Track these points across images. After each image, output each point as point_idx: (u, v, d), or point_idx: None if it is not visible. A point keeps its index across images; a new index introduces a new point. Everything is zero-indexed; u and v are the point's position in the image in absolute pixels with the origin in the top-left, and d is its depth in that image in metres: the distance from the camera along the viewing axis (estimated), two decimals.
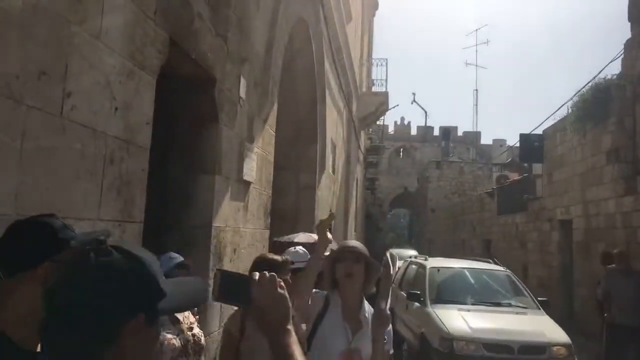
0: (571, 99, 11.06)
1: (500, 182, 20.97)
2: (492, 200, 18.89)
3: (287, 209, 8.33)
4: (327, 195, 9.97)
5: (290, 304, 1.18)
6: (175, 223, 3.56)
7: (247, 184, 4.37)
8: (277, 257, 2.97)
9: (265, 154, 5.02)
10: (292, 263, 3.52)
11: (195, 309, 3.10)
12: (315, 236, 5.23)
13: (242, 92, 4.06)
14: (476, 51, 51.30)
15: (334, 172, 11.05)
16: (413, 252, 22.89)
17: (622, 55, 10.09)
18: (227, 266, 3.93)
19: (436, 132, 43.41)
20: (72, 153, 1.94)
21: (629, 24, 9.98)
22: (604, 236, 9.82)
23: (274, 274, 1.18)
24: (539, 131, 13.74)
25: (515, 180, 18.14)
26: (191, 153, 3.55)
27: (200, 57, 3.19)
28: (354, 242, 2.47)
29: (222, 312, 3.65)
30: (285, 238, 5.17)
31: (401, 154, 43.10)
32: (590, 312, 9.21)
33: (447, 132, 41.48)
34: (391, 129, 43.50)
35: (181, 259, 2.86)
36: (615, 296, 7.09)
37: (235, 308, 3.15)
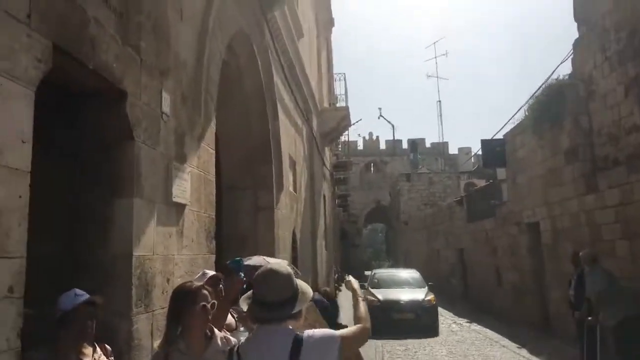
0: (527, 102, 11.10)
1: (468, 189, 21.00)
2: (462, 209, 18.85)
3: (245, 230, 7.97)
4: (289, 214, 9.64)
5: None
6: (91, 256, 3.18)
7: (181, 206, 4.02)
8: (192, 285, 2.64)
9: (204, 174, 4.68)
10: (217, 286, 3.20)
11: (109, 349, 2.73)
12: (270, 259, 4.91)
13: (166, 107, 3.74)
14: (436, 63, 52.68)
15: (295, 190, 10.75)
16: (411, 274, 15.19)
17: (572, 56, 10.17)
18: (159, 298, 3.56)
19: (405, 145, 43.70)
20: None
21: (575, 24, 10.08)
22: (570, 236, 9.74)
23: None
24: (500, 136, 13.79)
25: (482, 186, 18.18)
26: (104, 175, 3.19)
27: (102, 67, 2.86)
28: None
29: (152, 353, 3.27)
30: (245, 259, 4.83)
31: (372, 168, 43.20)
32: (565, 315, 9.06)
33: (415, 144, 41.84)
34: (360, 145, 43.62)
35: (87, 295, 2.51)
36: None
37: (157, 347, 2.81)
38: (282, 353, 1.97)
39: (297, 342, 2.00)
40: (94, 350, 2.63)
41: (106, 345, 2.73)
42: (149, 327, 3.43)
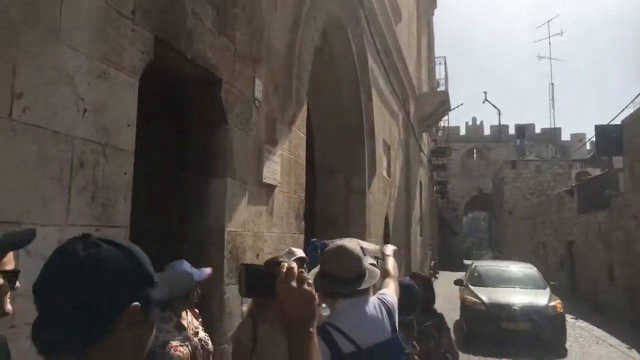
0: None
1: (580, 179, 19.47)
2: (572, 199, 17.57)
3: (338, 213, 8.14)
4: (381, 199, 9.67)
5: (316, 305, 1.10)
6: (191, 229, 3.49)
7: (271, 187, 4.24)
8: (285, 261, 2.82)
9: (295, 157, 4.87)
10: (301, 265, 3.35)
11: (197, 311, 3.01)
12: (362, 242, 5.02)
13: (258, 94, 3.95)
14: (549, 43, 48.03)
15: (389, 175, 10.72)
16: (525, 270, 11.51)
17: None
18: None
19: (512, 131, 41.41)
20: (27, 156, 1.88)
21: None
22: None
23: (302, 269, 1.13)
24: (618, 121, 12.63)
25: (595, 176, 16.77)
26: (202, 156, 3.47)
27: (199, 56, 3.11)
28: None
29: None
30: (327, 241, 5.00)
31: (474, 155, 41.54)
32: None
33: (522, 130, 39.47)
34: (462, 130, 42.11)
35: (209, 270, 2.83)
36: None
37: (247, 310, 3.05)
38: (380, 317, 2.12)
39: (387, 306, 2.16)
40: (186, 313, 2.92)
41: (196, 310, 3.01)
42: (239, 297, 3.69)
